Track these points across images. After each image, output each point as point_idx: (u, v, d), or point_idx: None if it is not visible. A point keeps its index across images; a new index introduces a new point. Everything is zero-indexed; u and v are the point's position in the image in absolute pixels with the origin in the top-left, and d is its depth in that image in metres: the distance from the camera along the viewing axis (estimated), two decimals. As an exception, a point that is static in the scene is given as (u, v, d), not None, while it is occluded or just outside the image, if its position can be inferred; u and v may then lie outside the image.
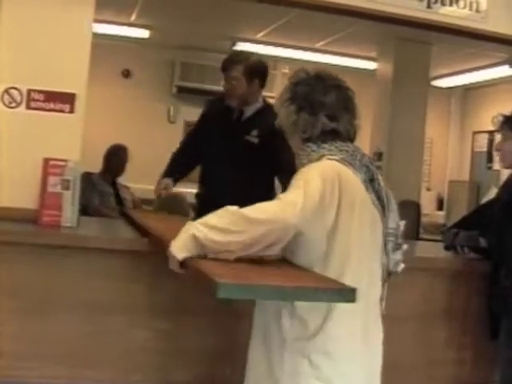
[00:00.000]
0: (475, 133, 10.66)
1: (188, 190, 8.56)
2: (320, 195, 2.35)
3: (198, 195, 4.84)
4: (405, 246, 2.63)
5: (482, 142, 10.47)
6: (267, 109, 4.38)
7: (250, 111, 4.54)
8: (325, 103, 2.59)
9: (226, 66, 4.49)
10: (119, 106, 9.31)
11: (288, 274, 2.36)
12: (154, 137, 9.37)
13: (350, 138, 2.64)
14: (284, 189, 3.76)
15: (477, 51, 8.21)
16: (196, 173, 9.40)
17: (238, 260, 2.35)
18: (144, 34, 8.66)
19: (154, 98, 9.52)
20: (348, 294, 2.16)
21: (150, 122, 9.47)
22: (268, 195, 3.60)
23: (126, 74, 9.44)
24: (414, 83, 8.44)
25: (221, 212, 2.39)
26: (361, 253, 2.47)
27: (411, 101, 8.45)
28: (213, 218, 2.39)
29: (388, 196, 2.58)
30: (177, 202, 6.57)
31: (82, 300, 3.10)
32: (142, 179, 8.24)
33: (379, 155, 8.63)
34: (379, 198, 2.54)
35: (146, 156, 8.88)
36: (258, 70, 4.48)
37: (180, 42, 9.11)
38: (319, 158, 2.53)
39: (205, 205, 4.30)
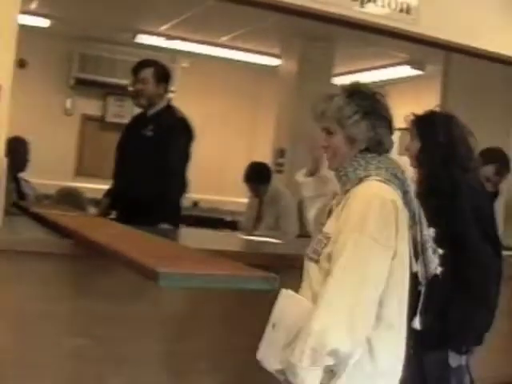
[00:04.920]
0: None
1: (94, 185, 8.37)
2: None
3: (109, 191, 4.98)
4: (440, 250, 2.66)
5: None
6: (169, 109, 4.79)
7: (152, 111, 4.77)
8: (387, 117, 2.58)
9: (137, 69, 4.79)
10: (13, 98, 8.94)
11: (216, 262, 2.53)
12: (50, 130, 9.09)
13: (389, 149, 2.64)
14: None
15: (381, 50, 8.32)
16: (96, 169, 9.22)
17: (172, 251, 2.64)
18: (45, 23, 8.36)
19: (50, 90, 9.23)
20: (273, 282, 2.29)
21: (45, 115, 9.17)
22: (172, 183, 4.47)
23: (22, 63, 9.07)
24: (317, 81, 8.45)
25: None
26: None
27: (315, 98, 8.45)
28: None
29: (418, 204, 2.59)
30: (73, 197, 6.49)
31: (11, 307, 2.91)
32: (39, 173, 7.96)
33: (281, 152, 8.63)
34: (410, 208, 2.54)
35: (43, 150, 8.59)
36: (166, 75, 4.84)
37: (80, 33, 8.85)
38: (364, 178, 2.49)
39: (116, 199, 4.78)
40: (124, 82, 8.14)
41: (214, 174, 9.83)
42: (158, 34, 8.77)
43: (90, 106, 9.68)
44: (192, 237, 4.45)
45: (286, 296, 2.48)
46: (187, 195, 4.85)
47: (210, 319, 3.20)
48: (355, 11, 4.28)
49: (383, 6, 4.39)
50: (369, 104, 2.54)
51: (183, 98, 9.45)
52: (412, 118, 3.47)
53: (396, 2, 4.46)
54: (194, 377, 3.21)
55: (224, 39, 8.82)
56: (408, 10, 4.46)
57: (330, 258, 2.38)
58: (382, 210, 2.39)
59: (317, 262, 2.43)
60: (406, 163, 3.64)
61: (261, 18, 7.32)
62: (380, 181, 2.47)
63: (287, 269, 2.64)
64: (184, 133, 4.64)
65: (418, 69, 8.91)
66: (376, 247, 2.34)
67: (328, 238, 2.42)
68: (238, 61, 9.56)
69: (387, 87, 10.21)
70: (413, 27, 4.56)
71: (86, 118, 9.67)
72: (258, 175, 6.41)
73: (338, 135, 2.53)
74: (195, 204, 9.60)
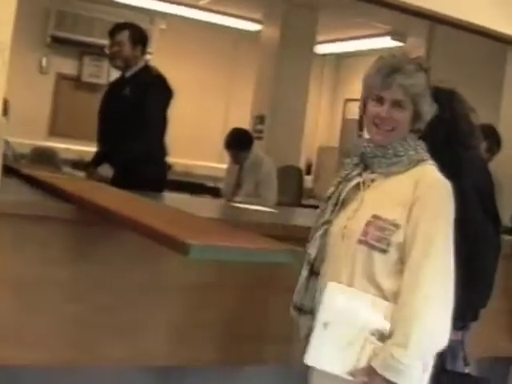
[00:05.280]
0: (347, 100, 10.82)
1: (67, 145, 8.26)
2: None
3: (95, 156, 4.98)
4: None
5: (354, 110, 10.62)
6: (146, 68, 4.85)
7: (130, 72, 4.82)
8: None
9: (113, 31, 4.84)
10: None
11: (245, 236, 2.46)
12: (24, 88, 8.90)
13: None
14: None
15: (363, 20, 8.28)
16: (70, 129, 9.08)
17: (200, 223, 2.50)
18: (23, -21, 8.15)
19: (26, 48, 8.98)
20: (301, 255, 2.28)
21: (20, 73, 8.92)
22: (152, 144, 4.61)
23: (-3, 19, 8.87)
24: (299, 48, 8.43)
25: None
26: None
27: (296, 66, 8.44)
28: None
29: None
30: (48, 157, 6.47)
31: (10, 272, 2.84)
32: (12, 132, 7.82)
33: (261, 119, 8.59)
34: None
35: (16, 108, 8.43)
36: (142, 38, 4.87)
37: (57, -10, 8.67)
38: (418, 162, 2.40)
39: (100, 160, 4.74)
40: (101, 41, 7.96)
41: (189, 138, 9.73)
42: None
43: (66, 65, 9.50)
44: (186, 204, 4.39)
45: (337, 290, 2.27)
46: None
47: (214, 289, 3.16)
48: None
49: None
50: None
51: (160, 60, 9.32)
52: None
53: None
54: (194, 346, 3.18)
55: (205, 2, 8.70)
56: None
57: (400, 247, 2.25)
58: (451, 197, 2.35)
59: (384, 251, 2.24)
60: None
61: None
62: (434, 165, 2.42)
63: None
64: (161, 90, 4.72)
65: (400, 40, 8.89)
66: (452, 233, 2.31)
67: (396, 226, 2.25)
68: (218, 24, 9.46)
69: (364, 57, 10.22)
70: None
71: (62, 77, 9.49)
72: (239, 142, 6.36)
73: (407, 111, 2.38)
74: (169, 167, 9.52)
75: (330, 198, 2.45)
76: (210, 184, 7.08)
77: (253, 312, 3.28)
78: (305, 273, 2.40)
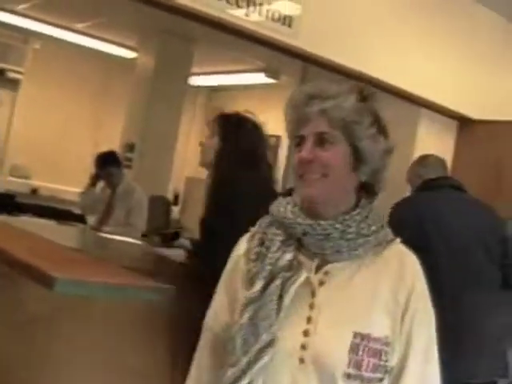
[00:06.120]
0: (218, 133, 10.87)
1: None
2: None
3: None
4: None
5: (224, 144, 10.69)
6: None
7: None
8: None
9: None
10: None
11: (111, 270, 2.43)
12: None
13: None
14: None
15: (238, 55, 8.38)
16: None
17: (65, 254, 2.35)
18: None
19: None
20: (166, 292, 2.21)
21: None
22: None
23: None
24: (174, 78, 8.44)
25: None
26: None
27: (169, 96, 8.44)
28: None
29: None
30: None
31: None
32: None
33: (130, 147, 8.51)
34: None
35: None
36: None
37: None
38: (388, 242, 1.70)
39: None
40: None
41: (57, 162, 9.56)
42: (14, 13, 8.41)
43: None
44: (51, 232, 4.29)
45: None
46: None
47: (69, 322, 3.07)
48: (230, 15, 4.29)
49: (260, 14, 4.41)
50: (383, 118, 1.70)
51: (31, 81, 9.18)
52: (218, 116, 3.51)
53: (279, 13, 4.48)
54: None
55: (81, 25, 8.61)
56: (289, 23, 4.48)
57: (393, 370, 1.64)
58: None
59: (381, 380, 1.61)
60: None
61: (117, 9, 7.25)
62: (402, 244, 1.74)
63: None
64: None
65: (273, 78, 9.03)
66: None
67: (389, 345, 1.62)
68: (94, 49, 9.36)
69: (240, 93, 10.35)
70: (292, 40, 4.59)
71: None
72: (107, 158, 6.24)
73: (339, 147, 1.65)
74: (34, 191, 9.31)
75: (260, 297, 1.62)
76: (78, 211, 6.93)
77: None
78: None
